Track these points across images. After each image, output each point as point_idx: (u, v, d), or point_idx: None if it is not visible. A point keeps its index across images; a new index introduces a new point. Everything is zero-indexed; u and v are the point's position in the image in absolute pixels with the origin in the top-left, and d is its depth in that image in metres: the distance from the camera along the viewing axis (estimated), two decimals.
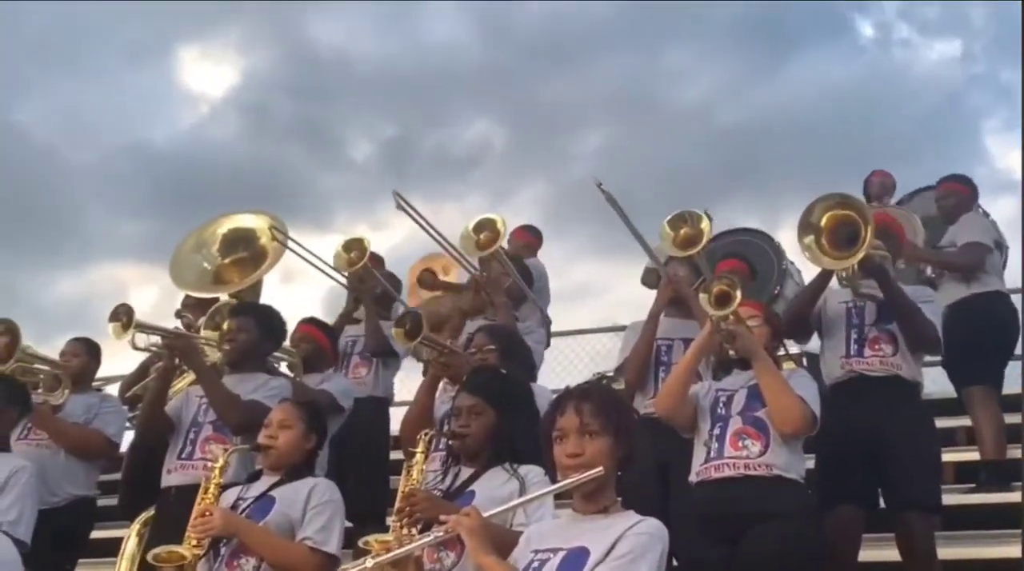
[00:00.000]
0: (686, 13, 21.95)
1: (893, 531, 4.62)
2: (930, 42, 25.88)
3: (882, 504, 4.65)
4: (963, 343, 5.86)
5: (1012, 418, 6.33)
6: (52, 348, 5.70)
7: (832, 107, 22.29)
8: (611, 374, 7.84)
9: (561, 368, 9.74)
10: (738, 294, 4.09)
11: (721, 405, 4.10)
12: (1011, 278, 7.66)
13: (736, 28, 22.41)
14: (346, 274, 6.34)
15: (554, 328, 8.11)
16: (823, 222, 4.56)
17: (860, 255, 4.45)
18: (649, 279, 6.87)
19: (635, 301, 5.69)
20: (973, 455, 6.22)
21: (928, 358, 7.78)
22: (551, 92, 23.14)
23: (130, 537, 4.72)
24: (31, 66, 19.66)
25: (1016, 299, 7.89)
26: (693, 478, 4.09)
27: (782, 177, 23.27)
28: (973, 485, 6.04)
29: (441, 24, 23.51)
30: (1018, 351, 8.75)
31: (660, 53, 24.81)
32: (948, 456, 6.14)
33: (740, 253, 6.35)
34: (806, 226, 4.58)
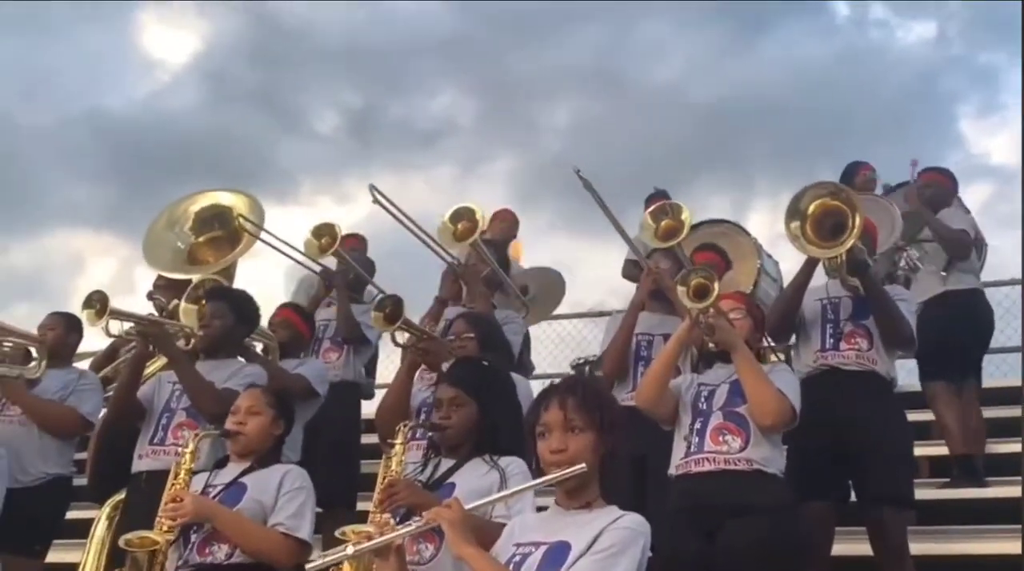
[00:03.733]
0: None
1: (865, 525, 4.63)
2: (906, 23, 25.94)
3: (853, 497, 4.67)
4: (936, 339, 5.88)
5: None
6: (5, 318, 5.55)
7: (806, 86, 22.35)
8: (593, 359, 7.90)
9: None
10: (716, 286, 4.08)
11: (703, 400, 4.09)
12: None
13: (710, 3, 22.25)
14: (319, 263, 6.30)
15: None
16: (811, 210, 4.57)
17: (850, 243, 4.47)
18: (630, 272, 6.86)
19: (605, 280, 5.66)
20: (919, 450, 6.26)
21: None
22: (520, 64, 22.98)
23: (99, 521, 4.70)
24: None
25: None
26: (673, 471, 4.08)
27: (755, 155, 23.34)
28: (947, 480, 6.08)
29: None
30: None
31: (632, 26, 24.66)
32: (922, 451, 6.23)
33: (715, 245, 6.34)
34: (794, 212, 4.60)
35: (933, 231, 6.50)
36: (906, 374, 6.44)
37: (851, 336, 4.68)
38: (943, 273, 6.46)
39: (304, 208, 20.35)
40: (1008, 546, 4.82)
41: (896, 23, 25.54)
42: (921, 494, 4.93)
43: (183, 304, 5.37)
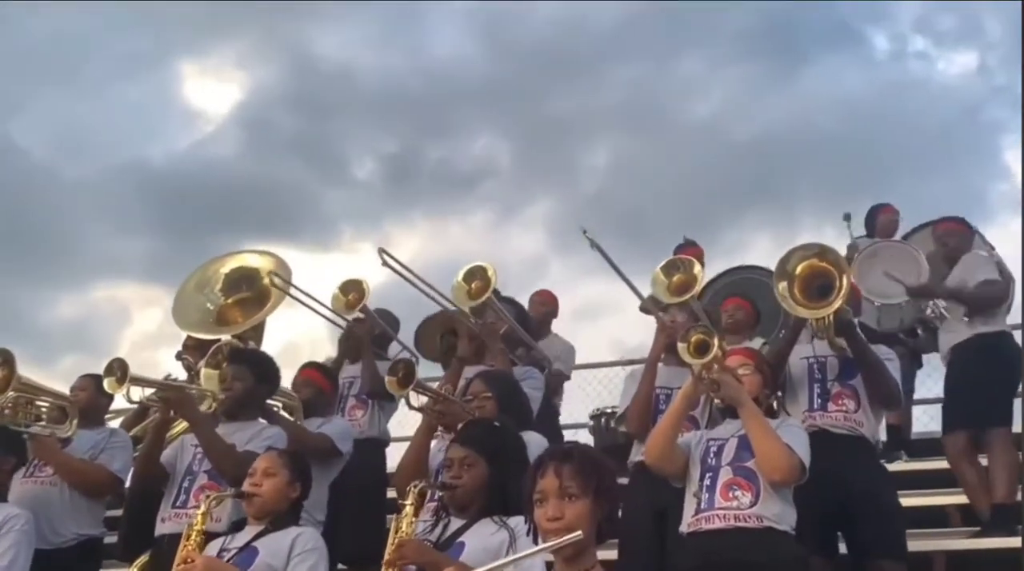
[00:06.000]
0: (696, 23, 21.70)
1: None
2: (946, 54, 25.68)
3: (842, 550, 4.72)
4: (973, 384, 5.84)
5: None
6: (52, 370, 5.74)
7: (848, 120, 21.99)
8: (609, 410, 7.89)
9: (571, 395, 9.61)
10: (716, 342, 4.11)
11: (711, 455, 4.11)
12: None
13: (748, 39, 22.06)
14: (347, 320, 6.39)
15: None
16: (798, 271, 4.61)
17: (837, 304, 4.51)
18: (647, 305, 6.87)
19: (649, 321, 5.67)
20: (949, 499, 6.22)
21: (928, 396, 7.85)
22: (558, 105, 22.82)
23: None
24: (25, 79, 19.31)
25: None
26: (684, 529, 4.09)
27: (798, 190, 23.06)
28: (978, 529, 6.00)
29: (445, 36, 23.18)
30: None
31: (670, 64, 24.50)
32: (952, 499, 6.15)
33: (744, 292, 6.36)
34: (781, 273, 4.66)
35: (959, 302, 6.45)
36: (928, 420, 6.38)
37: (838, 397, 4.71)
38: (965, 319, 6.40)
39: (346, 255, 20.50)
40: None
41: (936, 54, 25.30)
42: (950, 544, 4.89)
43: (204, 369, 5.46)
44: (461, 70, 22.20)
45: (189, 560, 3.72)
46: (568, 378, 7.24)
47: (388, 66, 22.11)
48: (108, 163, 22.37)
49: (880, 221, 8.00)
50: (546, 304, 7.36)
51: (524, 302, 7.12)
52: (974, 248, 6.70)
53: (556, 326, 7.34)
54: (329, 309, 6.46)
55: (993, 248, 7.10)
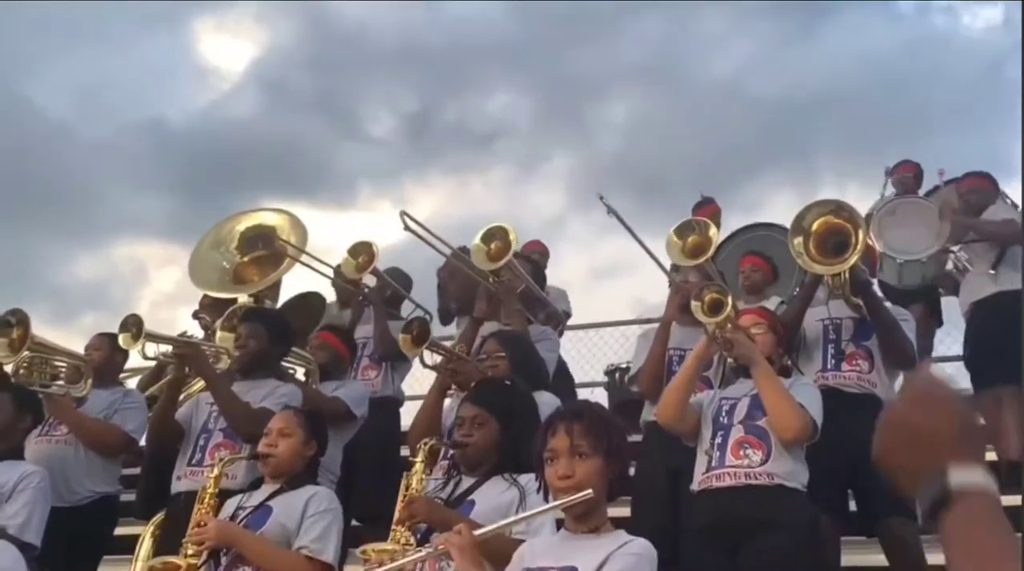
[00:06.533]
0: None
1: (866, 535, 4.72)
2: (972, 8, 25.27)
3: (852, 508, 4.72)
4: (991, 343, 5.79)
5: None
6: (70, 329, 5.81)
7: (871, 75, 21.74)
8: (624, 365, 7.87)
9: (591, 354, 9.63)
10: (729, 301, 4.09)
11: (724, 414, 4.10)
12: None
13: None
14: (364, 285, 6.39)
15: (580, 318, 8.04)
16: (814, 227, 4.58)
17: (853, 260, 4.49)
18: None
19: (665, 280, 5.63)
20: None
21: (949, 353, 7.79)
22: (577, 62, 22.70)
23: (144, 539, 4.78)
24: (41, 38, 19.38)
25: None
26: (695, 487, 4.09)
27: (820, 147, 22.88)
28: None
29: None
30: None
31: (690, 19, 24.29)
32: None
33: (762, 251, 6.32)
34: (797, 229, 4.62)
35: (980, 233, 6.40)
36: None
37: (852, 357, 4.71)
38: (992, 272, 6.35)
39: (364, 213, 20.50)
40: None
41: (962, 8, 24.95)
42: None
43: (220, 332, 5.47)
44: (480, 27, 22.07)
45: (202, 523, 3.73)
46: (570, 316, 7.19)
47: (406, 22, 21.97)
48: (126, 122, 22.43)
49: (897, 178, 7.92)
50: (537, 253, 7.38)
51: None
52: (997, 204, 6.65)
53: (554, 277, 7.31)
54: (339, 273, 6.44)
55: (1017, 206, 7.03)
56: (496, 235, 5.77)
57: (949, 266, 6.77)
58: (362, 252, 6.28)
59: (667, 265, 5.48)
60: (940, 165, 7.89)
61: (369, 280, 6.40)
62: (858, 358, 4.70)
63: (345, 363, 5.70)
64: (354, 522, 5.46)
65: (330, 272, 6.48)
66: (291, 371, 5.37)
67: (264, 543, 3.68)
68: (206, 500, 3.87)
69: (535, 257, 7.10)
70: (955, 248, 6.71)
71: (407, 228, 5.96)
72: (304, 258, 6.35)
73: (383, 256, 6.44)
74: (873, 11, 24.55)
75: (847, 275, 4.62)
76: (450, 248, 6.00)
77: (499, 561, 2.91)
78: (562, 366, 6.74)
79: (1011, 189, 6.94)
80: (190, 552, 3.69)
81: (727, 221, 7.61)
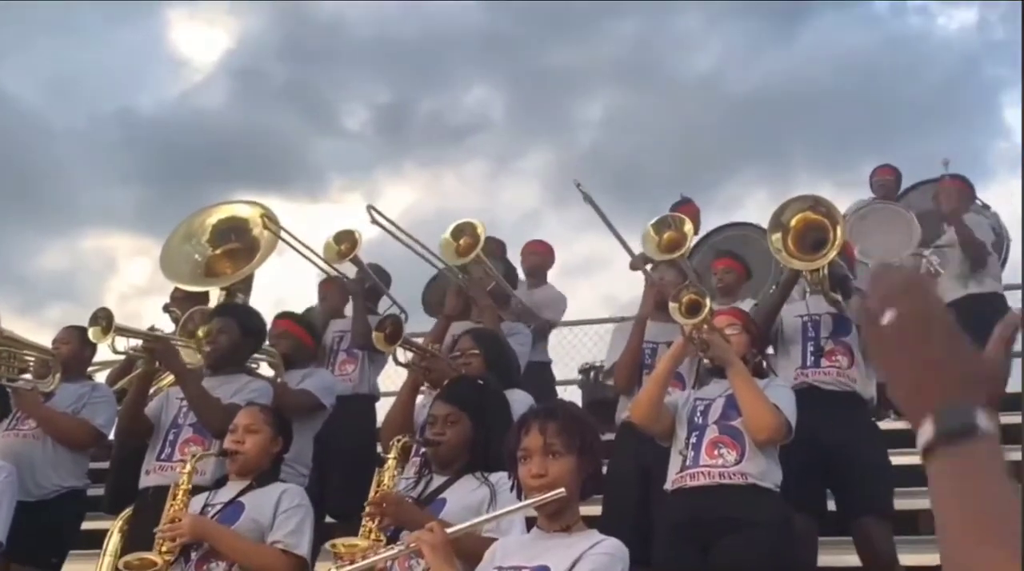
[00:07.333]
0: None
1: (843, 535, 4.70)
2: (947, 10, 25.46)
3: (831, 508, 4.73)
4: None
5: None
6: (38, 320, 5.69)
7: (847, 75, 21.85)
8: (598, 364, 7.86)
9: (565, 353, 9.54)
10: (707, 302, 4.10)
11: (699, 414, 4.10)
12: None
13: None
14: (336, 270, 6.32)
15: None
16: (793, 223, 4.59)
17: (831, 256, 4.50)
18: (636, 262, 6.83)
19: (638, 278, 5.63)
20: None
21: None
22: (553, 57, 22.65)
23: (112, 534, 4.73)
24: (13, 25, 19.16)
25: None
26: (669, 486, 4.09)
27: (795, 146, 22.98)
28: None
29: None
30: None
31: (667, 18, 24.35)
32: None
33: (735, 252, 6.32)
34: (776, 225, 4.64)
35: (959, 234, 6.46)
36: None
37: (832, 353, 4.71)
38: (964, 277, 6.42)
39: (335, 205, 20.39)
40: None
41: (937, 9, 25.12)
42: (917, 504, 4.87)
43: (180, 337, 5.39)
44: (456, 20, 22.00)
45: (176, 519, 3.71)
46: (555, 325, 7.17)
47: (381, 14, 21.87)
48: (97, 111, 22.19)
49: (874, 182, 7.96)
50: (538, 253, 7.31)
51: (517, 254, 7.10)
52: (971, 211, 6.71)
53: (551, 278, 7.30)
54: (320, 258, 6.37)
55: (987, 207, 7.08)
56: (465, 230, 5.75)
57: (922, 269, 6.80)
58: (345, 240, 6.22)
59: (640, 258, 5.47)
60: (915, 166, 7.96)
61: (349, 270, 6.35)
62: (837, 354, 4.70)
63: (309, 350, 5.58)
64: (328, 519, 5.44)
65: (310, 255, 6.38)
66: (253, 365, 5.28)
67: (239, 538, 3.67)
68: (179, 496, 3.85)
69: (532, 256, 7.10)
70: (926, 252, 6.78)
71: (374, 221, 5.91)
72: (284, 236, 6.24)
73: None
74: (848, 11, 24.66)
75: (826, 271, 4.63)
76: (417, 242, 5.97)
77: (470, 560, 2.90)
78: (544, 365, 6.76)
79: (987, 188, 7.04)
80: (164, 548, 3.66)
81: (705, 220, 7.63)
